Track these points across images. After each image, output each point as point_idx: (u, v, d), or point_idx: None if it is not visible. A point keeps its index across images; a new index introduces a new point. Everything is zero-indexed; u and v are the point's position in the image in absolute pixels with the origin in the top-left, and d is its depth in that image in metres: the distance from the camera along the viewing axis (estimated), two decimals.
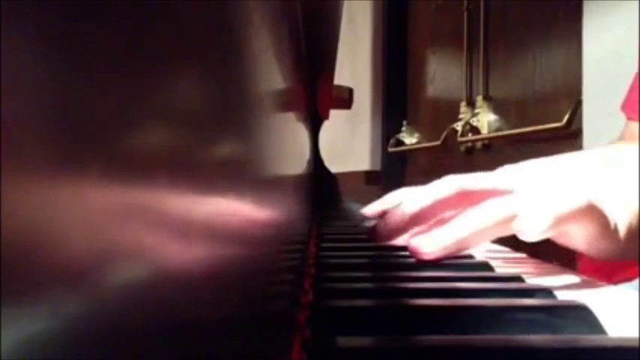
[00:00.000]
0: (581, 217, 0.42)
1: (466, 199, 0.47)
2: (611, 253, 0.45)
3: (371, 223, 0.54)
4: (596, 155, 0.51)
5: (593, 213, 0.42)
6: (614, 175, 0.47)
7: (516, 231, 0.41)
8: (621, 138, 0.86)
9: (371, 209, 0.71)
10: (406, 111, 2.54)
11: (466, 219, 0.43)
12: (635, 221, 0.45)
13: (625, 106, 0.86)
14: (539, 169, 0.49)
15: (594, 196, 0.43)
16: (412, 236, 0.47)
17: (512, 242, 0.58)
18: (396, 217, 0.49)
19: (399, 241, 0.51)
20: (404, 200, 0.50)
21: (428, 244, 0.43)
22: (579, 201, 0.42)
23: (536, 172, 0.49)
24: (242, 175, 0.17)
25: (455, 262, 0.46)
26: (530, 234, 0.40)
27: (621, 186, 0.46)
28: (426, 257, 0.43)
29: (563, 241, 0.45)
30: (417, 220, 0.48)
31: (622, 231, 0.44)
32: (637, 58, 0.84)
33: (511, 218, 0.42)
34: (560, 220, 0.40)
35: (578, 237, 0.43)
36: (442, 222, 0.46)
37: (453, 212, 0.48)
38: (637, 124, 0.81)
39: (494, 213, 0.42)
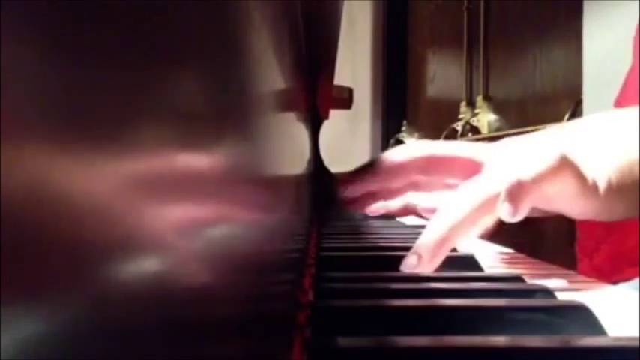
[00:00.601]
0: (556, 174, 0.41)
1: (437, 163, 0.48)
2: (594, 213, 0.44)
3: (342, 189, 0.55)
4: (579, 121, 0.51)
5: (567, 167, 0.42)
6: (594, 135, 0.47)
7: (502, 217, 0.40)
8: None
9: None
10: (406, 111, 2.54)
11: (448, 212, 0.41)
12: (614, 178, 0.44)
13: (619, 103, 0.86)
14: (515, 143, 0.49)
15: (568, 153, 0.43)
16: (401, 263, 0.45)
17: (512, 242, 0.58)
18: (364, 172, 0.50)
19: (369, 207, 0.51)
20: (376, 159, 0.50)
21: (422, 253, 0.41)
22: (550, 158, 0.41)
23: (511, 146, 0.49)
24: (242, 175, 0.17)
25: (455, 262, 0.46)
26: (513, 214, 0.40)
27: (601, 144, 0.46)
28: (426, 269, 0.41)
29: (544, 206, 0.44)
30: (385, 176, 0.49)
31: (602, 187, 0.43)
32: (632, 56, 0.84)
33: (489, 199, 0.41)
34: (535, 183, 0.40)
35: (558, 198, 0.43)
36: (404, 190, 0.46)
37: (422, 180, 0.49)
38: None
39: (472, 198, 0.41)
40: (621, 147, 0.46)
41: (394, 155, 0.49)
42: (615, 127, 0.48)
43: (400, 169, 0.49)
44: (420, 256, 0.40)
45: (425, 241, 0.41)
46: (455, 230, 0.41)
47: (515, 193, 0.39)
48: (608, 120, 0.50)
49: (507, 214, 0.40)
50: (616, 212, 0.45)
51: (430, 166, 0.48)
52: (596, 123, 0.50)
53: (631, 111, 0.48)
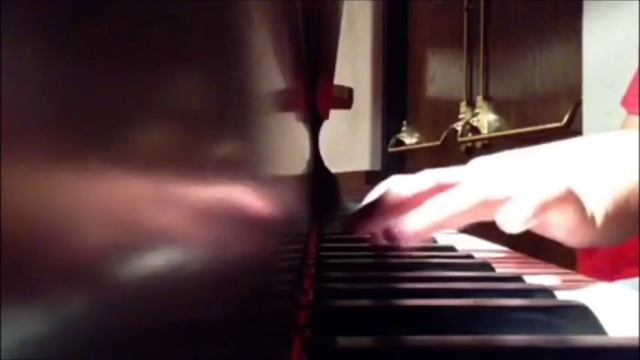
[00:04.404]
0: (562, 204, 0.42)
1: (444, 191, 0.47)
2: (587, 242, 0.46)
3: (347, 214, 0.54)
4: (576, 143, 0.51)
5: (573, 200, 0.43)
6: (591, 163, 0.48)
7: (500, 223, 0.41)
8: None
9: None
10: (406, 111, 2.54)
11: (446, 199, 0.43)
12: (610, 209, 0.45)
13: (625, 101, 0.86)
14: (517, 158, 0.49)
15: (572, 184, 0.44)
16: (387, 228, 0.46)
17: (512, 242, 0.58)
18: (373, 209, 0.49)
19: (376, 230, 0.51)
20: (383, 192, 0.50)
21: (408, 225, 0.43)
22: (559, 188, 0.42)
23: (514, 161, 0.49)
24: (242, 175, 0.17)
25: (455, 262, 0.46)
26: (515, 225, 0.40)
27: (599, 174, 0.46)
28: (406, 241, 0.43)
29: (541, 230, 0.45)
30: (393, 212, 0.49)
31: (598, 219, 0.44)
32: (637, 56, 0.84)
33: (488, 201, 0.42)
34: (543, 208, 0.40)
35: (557, 226, 0.44)
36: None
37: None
38: (636, 117, 0.82)
39: (472, 195, 0.42)
40: (620, 176, 0.46)
41: (402, 189, 0.48)
42: (615, 153, 0.48)
43: (409, 203, 0.48)
44: (405, 232, 0.43)
45: (416, 220, 0.43)
46: (448, 220, 0.43)
47: (523, 207, 0.40)
48: (607, 143, 0.50)
49: (511, 221, 0.40)
50: (609, 240, 0.46)
51: (439, 193, 0.48)
52: (596, 146, 0.50)
53: (630, 134, 0.49)
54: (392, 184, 0.54)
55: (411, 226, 0.43)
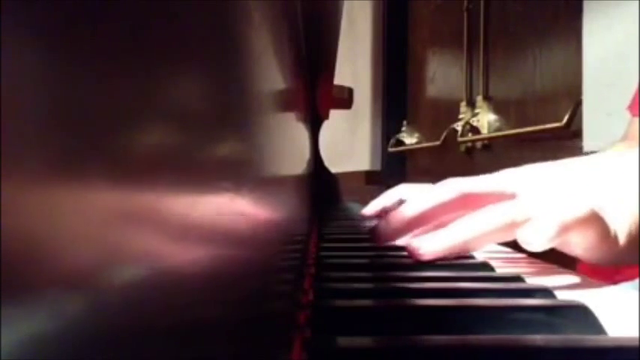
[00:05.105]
0: (584, 226, 0.42)
1: (467, 202, 0.47)
2: (607, 260, 0.45)
3: (372, 223, 0.54)
4: (597, 160, 0.50)
5: (595, 221, 0.42)
6: (615, 181, 0.47)
7: (521, 241, 0.41)
8: (625, 136, 0.86)
9: (370, 209, 0.71)
10: (406, 111, 2.54)
11: (468, 222, 0.43)
12: (634, 228, 0.45)
13: (631, 106, 0.86)
14: (540, 174, 0.49)
15: (596, 204, 0.43)
16: (413, 237, 0.46)
17: (512, 242, 0.58)
18: (397, 219, 0.49)
19: (400, 242, 0.50)
20: (406, 201, 0.49)
21: (429, 245, 0.43)
22: (582, 209, 0.41)
23: (537, 177, 0.49)
24: (242, 175, 0.17)
25: (455, 262, 0.46)
26: (536, 244, 0.40)
27: (621, 192, 0.46)
28: (426, 258, 0.43)
29: (561, 247, 0.45)
30: (417, 222, 0.48)
31: (621, 239, 0.44)
32: (637, 56, 0.84)
33: (512, 224, 0.42)
34: (565, 229, 0.40)
35: (578, 244, 0.43)
36: (443, 225, 0.46)
37: (453, 216, 0.47)
38: (637, 120, 0.82)
39: (496, 218, 0.42)
40: None
41: (425, 201, 0.48)
42: (635, 171, 0.48)
43: (431, 215, 0.48)
44: (428, 250, 0.43)
45: (440, 240, 0.43)
46: (473, 242, 0.43)
47: (546, 227, 0.40)
48: (627, 161, 0.49)
49: (532, 242, 0.40)
50: (630, 259, 0.46)
51: (462, 204, 0.47)
52: (616, 163, 0.49)
53: None
54: (405, 192, 0.53)
55: (435, 245, 0.43)
